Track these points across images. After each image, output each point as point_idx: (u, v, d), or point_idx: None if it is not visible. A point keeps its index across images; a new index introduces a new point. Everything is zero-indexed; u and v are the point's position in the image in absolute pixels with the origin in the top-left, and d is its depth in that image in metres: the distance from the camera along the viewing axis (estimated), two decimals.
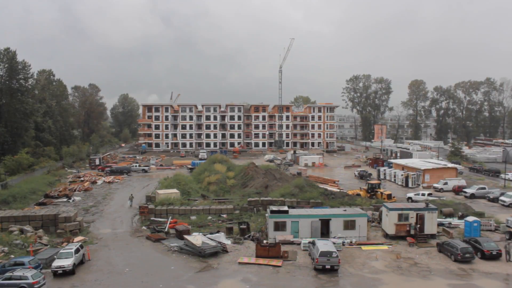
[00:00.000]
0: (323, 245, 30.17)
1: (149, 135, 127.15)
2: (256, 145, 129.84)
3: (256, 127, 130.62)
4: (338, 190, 55.73)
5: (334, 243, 32.08)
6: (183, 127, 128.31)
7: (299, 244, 34.53)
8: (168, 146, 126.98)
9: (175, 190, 51.39)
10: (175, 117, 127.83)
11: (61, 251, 30.00)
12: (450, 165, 70.42)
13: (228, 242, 35.03)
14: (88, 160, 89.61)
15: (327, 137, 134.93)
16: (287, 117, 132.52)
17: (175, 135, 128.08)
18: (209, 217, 43.92)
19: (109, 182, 68.46)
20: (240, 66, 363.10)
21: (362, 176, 71.78)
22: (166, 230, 38.78)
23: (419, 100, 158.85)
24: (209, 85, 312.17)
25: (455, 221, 41.09)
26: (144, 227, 40.88)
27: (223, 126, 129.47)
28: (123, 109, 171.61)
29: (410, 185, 63.27)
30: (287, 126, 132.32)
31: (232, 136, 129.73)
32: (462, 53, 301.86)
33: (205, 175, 61.96)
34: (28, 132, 77.28)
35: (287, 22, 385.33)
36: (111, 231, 40.04)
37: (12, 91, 73.70)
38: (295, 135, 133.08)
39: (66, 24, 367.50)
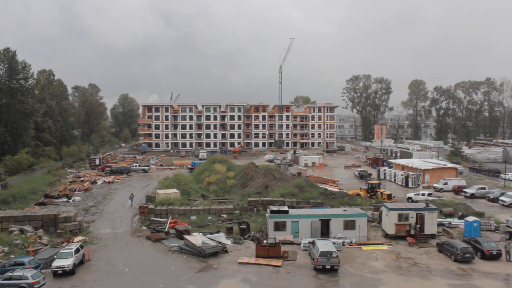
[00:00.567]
0: (323, 245, 30.17)
1: (149, 135, 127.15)
2: (256, 145, 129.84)
3: (256, 127, 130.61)
4: (338, 190, 55.72)
5: (334, 243, 32.08)
6: (183, 127, 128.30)
7: (299, 244, 34.53)
8: (168, 146, 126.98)
9: (175, 190, 51.40)
10: (175, 117, 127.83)
11: (61, 251, 30.00)
12: (450, 165, 70.42)
13: (228, 242, 35.04)
14: (88, 160, 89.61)
15: (327, 137, 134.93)
16: (287, 117, 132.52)
17: (175, 135, 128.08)
18: (209, 217, 43.92)
19: (109, 182, 68.46)
20: (240, 66, 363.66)
21: (362, 176, 71.78)
22: (166, 230, 38.78)
23: (419, 100, 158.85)
24: (210, 85, 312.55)
25: (455, 221, 41.09)
26: (144, 227, 40.89)
27: (223, 126, 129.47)
28: (123, 109, 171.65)
29: (410, 185, 63.27)
30: (287, 126, 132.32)
31: (232, 136, 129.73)
32: (462, 53, 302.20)
33: (205, 175, 61.97)
34: (28, 132, 77.30)
35: (288, 22, 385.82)
36: (111, 231, 40.04)
37: (12, 91, 73.70)
38: (295, 135, 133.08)
39: (66, 24, 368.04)
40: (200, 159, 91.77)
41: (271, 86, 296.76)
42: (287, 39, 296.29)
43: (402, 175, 65.42)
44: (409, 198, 52.77)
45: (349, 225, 36.05)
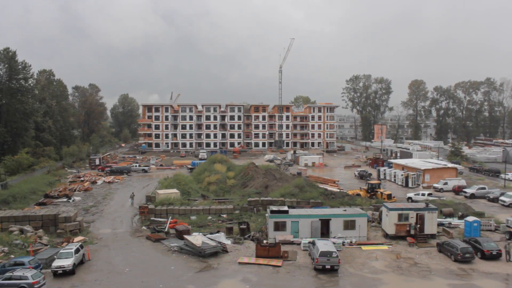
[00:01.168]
0: (323, 245, 30.18)
1: (149, 135, 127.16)
2: (256, 145, 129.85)
3: (256, 127, 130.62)
4: (338, 190, 55.72)
5: (334, 243, 32.09)
6: (183, 127, 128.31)
7: (299, 244, 34.53)
8: (168, 146, 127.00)
9: (175, 190, 51.40)
10: (175, 117, 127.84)
11: (61, 251, 30.01)
12: (450, 165, 70.43)
13: (228, 242, 35.04)
14: (88, 160, 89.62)
15: (327, 137, 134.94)
16: (287, 117, 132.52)
17: (175, 135, 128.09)
18: (209, 217, 43.93)
19: (109, 182, 68.47)
20: (241, 66, 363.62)
21: (362, 176, 71.79)
22: (166, 230, 38.78)
23: (419, 100, 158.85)
24: (210, 85, 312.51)
25: (455, 221, 41.10)
26: (144, 227, 40.90)
27: (223, 126, 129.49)
28: (123, 109, 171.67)
29: (410, 185, 63.28)
30: (287, 126, 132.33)
31: (232, 136, 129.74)
32: (463, 53, 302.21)
33: (205, 175, 61.97)
34: (28, 132, 77.30)
35: (288, 22, 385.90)
36: (111, 231, 40.05)
37: (12, 91, 73.70)
38: (295, 135, 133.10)
39: (66, 23, 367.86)
40: (200, 159, 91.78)
41: (271, 86, 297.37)
42: (287, 39, 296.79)
43: (402, 175, 65.42)
44: (409, 198, 52.77)
45: (349, 225, 36.05)
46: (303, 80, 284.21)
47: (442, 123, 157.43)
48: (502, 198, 51.04)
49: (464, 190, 56.38)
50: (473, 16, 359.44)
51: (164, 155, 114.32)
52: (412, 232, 36.08)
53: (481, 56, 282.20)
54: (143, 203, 47.77)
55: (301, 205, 45.25)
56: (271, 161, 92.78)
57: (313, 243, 31.57)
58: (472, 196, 54.48)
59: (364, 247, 34.32)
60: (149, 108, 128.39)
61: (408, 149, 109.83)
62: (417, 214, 36.39)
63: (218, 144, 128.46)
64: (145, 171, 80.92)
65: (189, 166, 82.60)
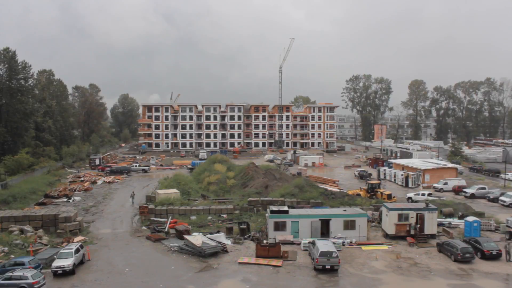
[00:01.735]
0: (323, 245, 30.18)
1: (149, 135, 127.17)
2: (256, 145, 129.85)
3: (256, 127, 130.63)
4: (338, 190, 55.73)
5: (334, 243, 32.08)
6: (183, 127, 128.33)
7: (299, 244, 34.54)
8: (168, 146, 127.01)
9: (175, 190, 51.38)
10: (175, 117, 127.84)
11: (61, 251, 30.02)
12: (450, 165, 70.45)
13: (228, 242, 35.05)
14: (88, 160, 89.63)
15: (327, 137, 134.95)
16: (287, 117, 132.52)
17: (175, 135, 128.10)
18: (209, 217, 43.93)
19: (109, 182, 68.48)
20: (241, 65, 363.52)
21: (362, 176, 71.79)
22: (166, 230, 38.79)
23: (419, 100, 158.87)
24: (210, 85, 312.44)
25: (455, 221, 41.10)
26: (144, 227, 40.91)
27: (223, 126, 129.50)
28: (123, 109, 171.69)
29: (410, 185, 63.29)
30: (287, 126, 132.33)
31: (232, 136, 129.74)
32: (463, 53, 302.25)
33: (205, 175, 61.98)
34: (28, 132, 77.33)
35: (289, 22, 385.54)
36: (111, 231, 40.05)
37: (12, 91, 73.73)
38: (295, 135, 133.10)
39: (66, 23, 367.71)
40: (200, 159, 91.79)
41: (272, 86, 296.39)
42: (287, 38, 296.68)
43: (402, 175, 65.44)
44: (409, 198, 52.78)
45: (349, 225, 36.06)
46: (303, 80, 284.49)
47: (442, 123, 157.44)
48: (502, 198, 51.05)
49: (464, 190, 56.38)
50: (473, 16, 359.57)
51: (164, 155, 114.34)
52: (412, 232, 36.09)
53: (481, 56, 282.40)
54: (143, 203, 47.78)
55: (301, 205, 45.25)
56: (271, 161, 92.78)
57: (313, 243, 31.57)
58: (472, 196, 54.48)
59: (364, 247, 34.32)
60: (149, 108, 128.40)
61: (408, 149, 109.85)
62: (417, 214, 36.40)
63: (218, 144, 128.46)
64: (145, 171, 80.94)
65: (189, 166, 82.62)
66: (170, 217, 42.50)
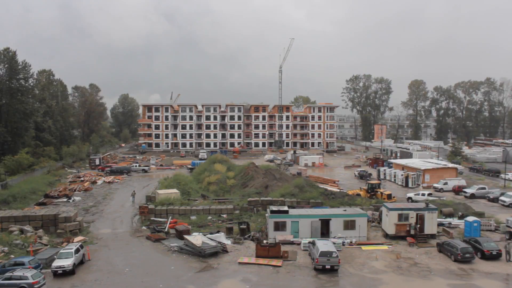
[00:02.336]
0: (323, 245, 30.18)
1: (149, 135, 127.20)
2: (256, 145, 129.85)
3: (256, 127, 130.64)
4: (338, 190, 55.74)
5: (334, 243, 32.08)
6: (183, 127, 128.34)
7: (299, 244, 34.54)
8: (168, 146, 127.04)
9: (175, 190, 51.39)
10: (175, 117, 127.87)
11: (61, 251, 30.03)
12: (450, 165, 70.45)
13: (228, 242, 35.05)
14: (88, 160, 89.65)
15: (327, 137, 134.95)
16: (287, 117, 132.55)
17: (175, 135, 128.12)
18: (209, 217, 43.93)
19: (109, 182, 68.48)
20: (241, 65, 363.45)
21: (362, 176, 71.79)
22: (166, 230, 38.79)
23: (419, 100, 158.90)
24: (211, 84, 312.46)
25: (455, 221, 41.10)
26: (144, 227, 40.90)
27: (223, 126, 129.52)
28: (123, 109, 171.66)
29: (410, 185, 63.29)
30: (287, 126, 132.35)
31: (232, 136, 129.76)
32: (463, 53, 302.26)
33: (205, 175, 61.99)
34: (28, 132, 77.32)
35: (290, 22, 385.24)
36: (111, 231, 40.05)
37: (12, 91, 73.72)
38: (295, 135, 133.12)
39: (67, 22, 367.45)
40: (200, 159, 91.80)
41: (272, 85, 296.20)
42: (288, 38, 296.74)
43: (402, 175, 65.44)
44: (409, 198, 52.78)
45: (349, 225, 36.06)
46: (303, 80, 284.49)
47: (442, 123, 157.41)
48: (502, 198, 51.05)
49: (464, 190, 56.38)
50: (473, 16, 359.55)
51: (164, 155, 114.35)
52: (412, 232, 36.09)
53: (481, 56, 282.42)
54: (143, 203, 47.79)
55: (301, 205, 45.24)
56: (271, 161, 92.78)
57: (313, 243, 31.57)
58: (472, 196, 54.49)
59: (364, 247, 34.32)
60: (149, 108, 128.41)
61: (408, 149, 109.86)
62: (417, 214, 36.40)
63: (218, 144, 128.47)
64: (145, 171, 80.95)
65: (189, 166, 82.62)
66: (170, 217, 42.50)
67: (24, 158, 67.68)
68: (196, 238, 33.24)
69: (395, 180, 67.26)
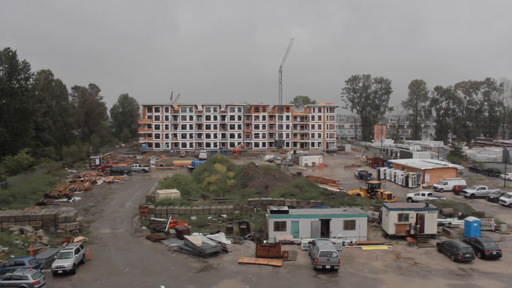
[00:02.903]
0: (323, 245, 30.20)
1: (149, 135, 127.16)
2: (256, 145, 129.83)
3: (256, 127, 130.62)
4: (338, 190, 55.73)
5: (334, 243, 32.12)
6: (183, 127, 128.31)
7: (299, 244, 34.55)
8: (168, 146, 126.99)
9: (175, 190, 51.39)
10: (175, 117, 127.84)
11: (61, 251, 30.04)
12: (450, 165, 70.44)
13: (228, 242, 35.06)
14: (88, 160, 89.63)
15: (327, 137, 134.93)
16: (287, 117, 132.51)
17: (175, 135, 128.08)
18: (209, 217, 43.92)
19: (109, 182, 68.48)
20: (241, 65, 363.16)
21: (362, 176, 71.77)
22: (166, 230, 38.79)
23: (419, 100, 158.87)
24: (210, 84, 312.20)
25: (455, 221, 41.11)
26: (144, 227, 40.90)
27: (223, 126, 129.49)
28: (123, 109, 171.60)
29: (410, 185, 63.28)
30: (287, 126, 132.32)
31: (232, 136, 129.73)
32: (463, 53, 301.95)
33: (205, 175, 61.98)
34: (28, 132, 77.24)
35: (290, 22, 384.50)
36: (111, 231, 40.05)
37: (13, 91, 73.68)
38: (295, 135, 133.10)
39: (66, 22, 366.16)
40: (200, 159, 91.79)
41: (272, 86, 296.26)
42: (288, 38, 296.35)
43: (402, 175, 65.44)
44: (409, 198, 52.78)
45: (349, 225, 36.07)
46: (303, 80, 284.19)
47: (442, 123, 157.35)
48: (502, 198, 51.07)
49: (464, 190, 56.38)
50: (474, 16, 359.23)
51: (164, 155, 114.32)
52: (412, 232, 36.10)
53: (481, 56, 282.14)
54: (143, 203, 47.77)
55: (301, 205, 45.25)
56: (271, 161, 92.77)
57: (313, 243, 31.58)
58: (472, 196, 54.50)
59: (364, 247, 34.32)
60: (149, 108, 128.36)
61: (408, 149, 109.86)
62: (417, 214, 36.41)
63: (218, 144, 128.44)
64: (145, 171, 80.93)
65: (189, 166, 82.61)
66: (170, 217, 42.50)
67: (24, 158, 67.62)
68: (196, 238, 33.25)
69: (395, 180, 67.25)
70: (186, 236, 34.34)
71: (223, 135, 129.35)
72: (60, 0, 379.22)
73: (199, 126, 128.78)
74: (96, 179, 69.43)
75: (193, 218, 43.45)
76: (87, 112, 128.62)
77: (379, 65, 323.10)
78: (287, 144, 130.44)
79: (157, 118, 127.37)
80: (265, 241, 34.15)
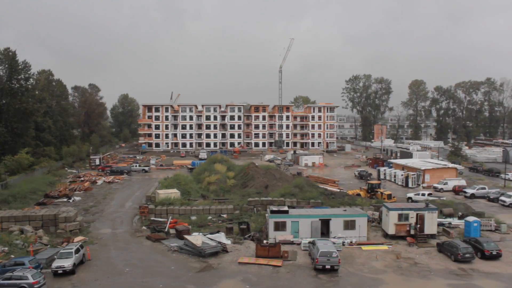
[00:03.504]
0: (323, 245, 30.20)
1: (149, 135, 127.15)
2: (256, 145, 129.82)
3: (256, 127, 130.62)
4: (338, 190, 55.74)
5: (334, 243, 32.12)
6: (183, 127, 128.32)
7: (299, 244, 34.55)
8: (168, 146, 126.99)
9: (175, 190, 51.40)
10: (175, 117, 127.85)
11: (61, 251, 30.04)
12: (450, 165, 70.43)
13: (228, 242, 35.06)
14: (88, 160, 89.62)
15: (327, 137, 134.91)
16: (287, 117, 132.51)
17: (175, 135, 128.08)
18: (209, 217, 43.93)
19: (109, 182, 68.47)
20: (242, 65, 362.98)
21: (362, 176, 71.78)
22: (166, 230, 38.79)
23: (419, 100, 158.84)
24: (210, 84, 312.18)
25: (455, 221, 41.11)
26: (144, 227, 40.89)
27: (223, 126, 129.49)
28: (123, 109, 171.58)
29: (410, 185, 63.28)
30: (287, 126, 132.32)
31: (232, 136, 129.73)
32: (463, 53, 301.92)
33: (205, 175, 61.98)
34: (28, 132, 77.23)
35: (291, 21, 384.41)
36: (111, 231, 40.05)
37: (13, 91, 73.68)
38: (295, 135, 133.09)
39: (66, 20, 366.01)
40: (200, 159, 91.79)
41: (272, 85, 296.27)
42: (288, 38, 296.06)
43: (402, 175, 65.44)
44: (409, 198, 52.78)
45: (349, 225, 36.06)
46: (303, 79, 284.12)
47: (442, 123, 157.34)
48: (502, 198, 51.07)
49: (464, 190, 56.38)
50: (474, 16, 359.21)
51: (164, 155, 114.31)
52: (412, 232, 36.10)
53: (481, 56, 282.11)
54: (143, 203, 47.76)
55: (301, 205, 45.26)
56: (271, 161, 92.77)
57: (313, 243, 31.57)
58: (472, 196, 54.50)
59: (364, 247, 34.32)
60: (149, 108, 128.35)
61: (408, 149, 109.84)
62: (417, 214, 36.41)
63: (218, 144, 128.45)
64: (145, 171, 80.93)
65: (189, 166, 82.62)
66: (170, 217, 42.50)
67: (24, 158, 67.61)
68: (196, 238, 33.25)
69: (395, 180, 67.25)
70: (186, 236, 34.33)
71: (223, 135, 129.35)
72: (63, 1, 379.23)
73: (199, 126, 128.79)
74: (96, 179, 69.43)
75: (193, 218, 43.45)
76: (87, 112, 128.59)
77: (380, 65, 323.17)
78: (287, 144, 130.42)
79: (157, 118, 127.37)
80: (265, 241, 34.15)
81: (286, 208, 39.12)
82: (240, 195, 52.89)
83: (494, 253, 31.33)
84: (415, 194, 53.46)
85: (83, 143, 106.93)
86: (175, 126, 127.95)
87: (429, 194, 53.24)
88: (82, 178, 69.88)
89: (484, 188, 56.10)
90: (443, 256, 32.35)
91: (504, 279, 28.02)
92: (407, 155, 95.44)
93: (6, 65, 73.72)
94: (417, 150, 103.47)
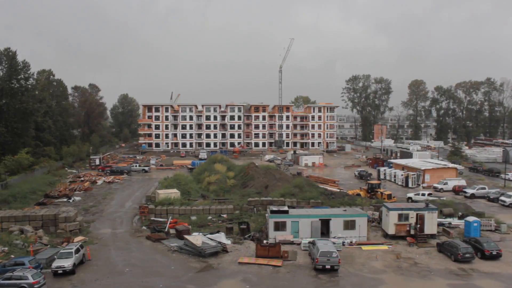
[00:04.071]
0: (323, 245, 30.19)
1: (149, 135, 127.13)
2: (256, 145, 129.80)
3: (256, 127, 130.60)
4: (338, 190, 55.74)
5: (334, 243, 32.11)
6: (183, 127, 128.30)
7: (299, 244, 34.55)
8: (168, 146, 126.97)
9: (175, 190, 51.41)
10: (175, 117, 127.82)
11: (61, 251, 30.05)
12: (450, 165, 70.42)
13: (228, 242, 35.05)
14: (88, 160, 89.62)
15: (327, 137, 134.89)
16: (287, 117, 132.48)
17: (175, 135, 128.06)
18: (209, 217, 43.93)
19: (109, 182, 68.47)
20: (242, 65, 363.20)
21: (362, 176, 71.78)
22: (166, 230, 38.78)
23: (419, 100, 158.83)
24: (210, 84, 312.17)
25: (455, 221, 41.11)
26: (144, 227, 40.91)
27: (223, 126, 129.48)
28: (123, 109, 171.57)
29: (410, 185, 63.28)
30: (287, 126, 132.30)
31: (232, 136, 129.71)
32: (463, 53, 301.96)
33: (205, 175, 61.98)
34: (28, 132, 77.23)
35: (290, 21, 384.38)
36: (111, 231, 40.05)
37: (13, 91, 73.67)
38: (295, 135, 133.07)
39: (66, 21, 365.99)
40: (200, 159, 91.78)
41: (272, 85, 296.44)
42: (288, 38, 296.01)
43: (402, 175, 65.43)
44: (409, 198, 52.77)
45: (349, 225, 36.06)
46: (303, 80, 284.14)
47: (442, 123, 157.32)
48: (502, 198, 51.07)
49: (464, 190, 56.38)
50: (474, 16, 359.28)
51: (164, 155, 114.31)
52: (412, 232, 36.10)
53: (481, 56, 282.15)
54: (143, 203, 47.76)
55: (301, 205, 45.27)
56: (271, 161, 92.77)
57: (313, 243, 31.57)
58: (472, 196, 54.50)
59: (364, 247, 34.32)
60: (149, 108, 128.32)
61: (408, 149, 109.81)
62: (417, 214, 36.41)
63: (218, 144, 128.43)
64: (145, 171, 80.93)
65: (189, 166, 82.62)
66: (170, 217, 42.52)
67: (24, 158, 67.62)
68: (196, 238, 33.25)
69: (395, 180, 67.24)
70: (186, 236, 34.33)
71: (223, 135, 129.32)
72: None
73: (199, 126, 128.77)
74: (96, 179, 69.43)
75: (193, 218, 43.45)
76: (87, 112, 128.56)
77: (380, 65, 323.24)
78: (287, 144, 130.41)
79: (157, 118, 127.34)
80: (265, 241, 34.16)
81: (286, 208, 39.12)
82: (240, 195, 52.89)
83: (494, 253, 31.33)
84: (415, 194, 53.45)
85: (83, 143, 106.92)
86: (175, 126, 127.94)
87: (429, 194, 53.24)
88: (82, 178, 69.88)
89: (484, 188, 56.08)
90: (443, 256, 32.35)
91: (504, 279, 28.01)
92: (407, 155, 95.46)
93: (6, 65, 73.70)
94: (417, 150, 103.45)
